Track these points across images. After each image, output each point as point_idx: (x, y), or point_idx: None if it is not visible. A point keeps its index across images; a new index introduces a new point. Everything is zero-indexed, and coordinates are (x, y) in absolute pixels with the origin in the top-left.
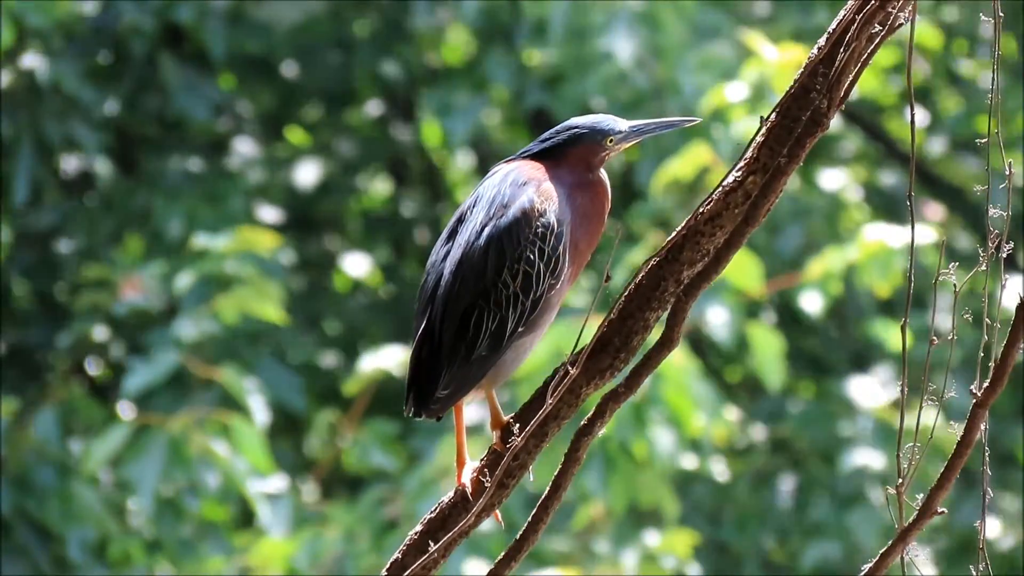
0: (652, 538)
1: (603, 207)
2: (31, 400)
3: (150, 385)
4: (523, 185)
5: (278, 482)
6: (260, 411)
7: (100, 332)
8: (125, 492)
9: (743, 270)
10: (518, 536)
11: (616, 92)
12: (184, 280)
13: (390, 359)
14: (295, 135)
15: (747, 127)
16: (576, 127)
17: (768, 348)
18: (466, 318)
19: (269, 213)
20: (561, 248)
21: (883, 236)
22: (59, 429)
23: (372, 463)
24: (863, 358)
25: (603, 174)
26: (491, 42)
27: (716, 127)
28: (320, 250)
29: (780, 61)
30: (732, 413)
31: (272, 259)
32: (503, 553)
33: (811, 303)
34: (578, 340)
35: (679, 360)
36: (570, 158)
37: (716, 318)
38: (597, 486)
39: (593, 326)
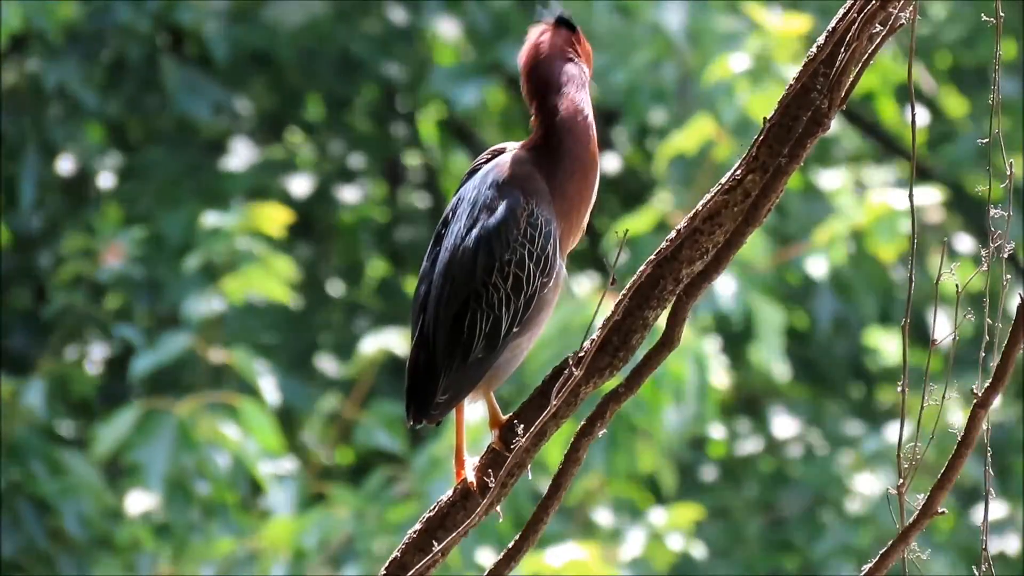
0: (656, 515)
1: (589, 193)
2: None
3: (158, 366)
4: (505, 184)
5: (287, 463)
6: (270, 391)
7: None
8: (131, 476)
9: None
10: (518, 536)
11: (641, 80)
12: (193, 261)
13: (392, 340)
14: (294, 137)
15: (750, 98)
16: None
17: (770, 323)
18: (459, 321)
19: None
20: (550, 247)
21: (888, 199)
22: (48, 401)
23: (378, 444)
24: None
25: (586, 127)
26: (502, 37)
27: (721, 99)
28: (315, 257)
29: (783, 31)
30: (724, 379)
31: (281, 238)
32: (502, 553)
33: (817, 268)
34: (584, 339)
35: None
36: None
37: (724, 290)
38: (598, 460)
39: (597, 323)
